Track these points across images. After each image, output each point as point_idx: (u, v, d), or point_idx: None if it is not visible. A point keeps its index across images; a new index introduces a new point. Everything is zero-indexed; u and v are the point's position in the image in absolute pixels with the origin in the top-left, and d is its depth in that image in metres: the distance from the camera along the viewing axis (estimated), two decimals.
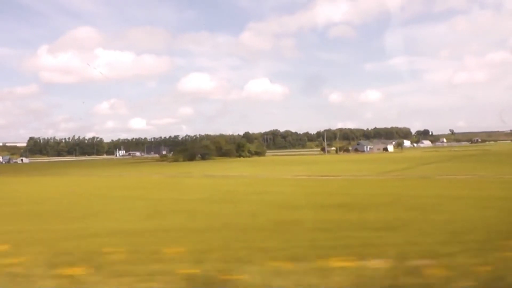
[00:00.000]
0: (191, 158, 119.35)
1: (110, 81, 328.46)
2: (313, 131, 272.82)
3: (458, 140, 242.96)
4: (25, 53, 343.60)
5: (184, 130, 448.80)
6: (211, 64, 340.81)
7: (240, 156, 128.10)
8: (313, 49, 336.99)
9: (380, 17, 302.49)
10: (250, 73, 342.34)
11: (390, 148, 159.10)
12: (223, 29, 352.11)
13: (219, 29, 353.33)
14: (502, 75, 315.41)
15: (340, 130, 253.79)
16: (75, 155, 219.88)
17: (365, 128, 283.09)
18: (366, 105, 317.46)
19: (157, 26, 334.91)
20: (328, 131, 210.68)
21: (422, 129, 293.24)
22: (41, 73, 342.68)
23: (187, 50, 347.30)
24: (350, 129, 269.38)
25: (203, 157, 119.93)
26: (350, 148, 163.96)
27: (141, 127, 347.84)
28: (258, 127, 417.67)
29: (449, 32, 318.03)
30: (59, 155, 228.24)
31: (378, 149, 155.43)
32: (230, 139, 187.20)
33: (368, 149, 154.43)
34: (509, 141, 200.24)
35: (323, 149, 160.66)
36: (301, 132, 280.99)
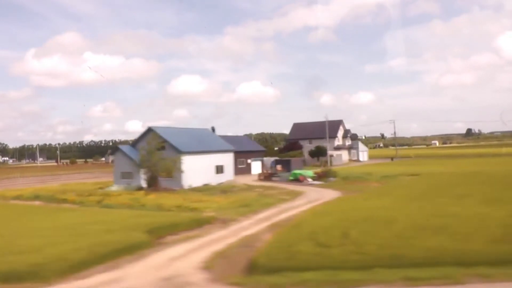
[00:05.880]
0: None
1: (103, 84, 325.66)
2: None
3: (386, 146, 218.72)
4: (20, 55, 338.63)
5: None
6: (204, 67, 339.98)
7: None
8: (304, 53, 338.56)
9: (377, 19, 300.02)
10: (243, 75, 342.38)
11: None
12: (216, 32, 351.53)
13: (214, 32, 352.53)
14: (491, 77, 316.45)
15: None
16: None
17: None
18: (359, 107, 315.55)
19: (151, 30, 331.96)
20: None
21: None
22: (38, 75, 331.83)
23: (180, 53, 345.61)
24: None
25: None
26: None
27: (137, 129, 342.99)
28: (251, 128, 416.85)
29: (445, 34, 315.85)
30: None
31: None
32: None
33: None
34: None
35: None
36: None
